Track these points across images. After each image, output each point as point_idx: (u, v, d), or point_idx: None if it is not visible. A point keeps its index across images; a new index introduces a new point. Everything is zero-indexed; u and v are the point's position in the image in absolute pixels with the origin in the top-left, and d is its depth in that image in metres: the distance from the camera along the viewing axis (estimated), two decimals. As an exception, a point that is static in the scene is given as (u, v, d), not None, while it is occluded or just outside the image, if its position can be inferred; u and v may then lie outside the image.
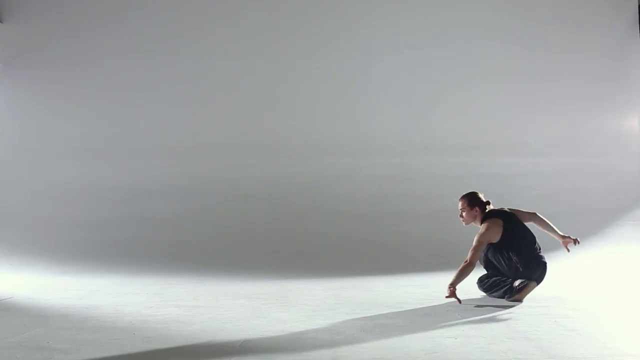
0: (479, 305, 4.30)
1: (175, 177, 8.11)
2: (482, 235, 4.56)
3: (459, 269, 4.44)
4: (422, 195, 7.85)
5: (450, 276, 5.81)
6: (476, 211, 4.73)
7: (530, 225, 4.92)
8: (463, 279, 4.44)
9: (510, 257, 4.56)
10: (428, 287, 5.29)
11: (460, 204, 4.81)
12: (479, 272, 4.87)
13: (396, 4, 8.39)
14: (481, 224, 4.69)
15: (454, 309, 4.18)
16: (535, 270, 4.56)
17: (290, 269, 6.64)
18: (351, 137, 8.18)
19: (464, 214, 4.78)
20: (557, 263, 6.85)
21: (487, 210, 4.75)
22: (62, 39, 8.38)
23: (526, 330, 3.40)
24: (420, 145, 8.14)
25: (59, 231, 7.75)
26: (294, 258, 7.16)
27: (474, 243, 4.56)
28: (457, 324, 3.64)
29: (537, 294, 4.75)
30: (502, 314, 3.94)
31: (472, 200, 4.77)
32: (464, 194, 4.84)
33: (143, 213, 7.91)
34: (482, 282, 4.77)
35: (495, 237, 4.59)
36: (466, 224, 4.83)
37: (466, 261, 4.44)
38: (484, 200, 4.79)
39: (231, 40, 8.33)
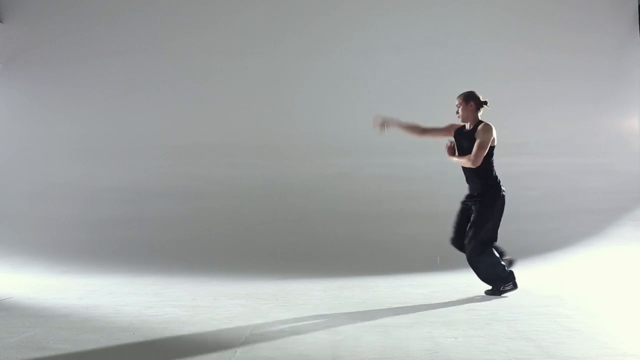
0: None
1: (175, 177, 8.11)
2: (488, 135, 4.77)
3: (463, 158, 4.83)
4: (422, 195, 7.85)
5: (450, 276, 5.83)
6: (471, 106, 4.89)
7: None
8: (458, 160, 4.87)
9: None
10: (428, 287, 5.29)
11: (457, 100, 4.94)
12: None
13: (396, 4, 8.39)
14: (477, 127, 4.82)
15: (454, 309, 4.18)
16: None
17: (290, 269, 6.64)
18: (351, 137, 8.17)
19: (459, 109, 4.91)
20: (557, 263, 6.87)
21: (480, 112, 4.91)
22: (62, 39, 8.38)
23: (526, 330, 3.40)
24: (420, 145, 8.13)
25: (59, 231, 7.75)
26: (294, 258, 7.16)
27: (479, 141, 4.75)
28: (457, 324, 3.64)
29: (537, 293, 4.76)
30: (502, 314, 3.94)
31: (468, 95, 4.91)
32: (464, 92, 4.97)
33: (143, 213, 7.91)
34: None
35: (495, 140, 4.86)
36: (462, 120, 4.95)
37: (470, 159, 4.76)
38: (482, 100, 4.91)
39: (231, 40, 8.33)
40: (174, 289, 5.40)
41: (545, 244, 7.33)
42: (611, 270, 6.42)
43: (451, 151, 4.95)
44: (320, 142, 8.18)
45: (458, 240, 4.86)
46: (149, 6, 8.42)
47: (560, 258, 7.00)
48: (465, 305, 4.36)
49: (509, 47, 8.29)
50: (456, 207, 4.97)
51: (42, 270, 6.76)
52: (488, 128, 4.81)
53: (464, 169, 4.95)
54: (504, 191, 4.86)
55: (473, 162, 4.76)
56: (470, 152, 4.82)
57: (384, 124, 4.96)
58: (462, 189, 5.02)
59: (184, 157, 8.18)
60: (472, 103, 4.86)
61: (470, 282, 5.16)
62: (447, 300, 4.58)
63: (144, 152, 8.18)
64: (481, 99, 4.90)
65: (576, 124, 8.24)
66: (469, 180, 4.95)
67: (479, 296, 4.76)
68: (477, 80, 8.24)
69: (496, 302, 4.44)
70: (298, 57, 8.29)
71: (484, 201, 4.77)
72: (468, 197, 4.93)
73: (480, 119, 4.91)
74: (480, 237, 4.70)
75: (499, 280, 4.72)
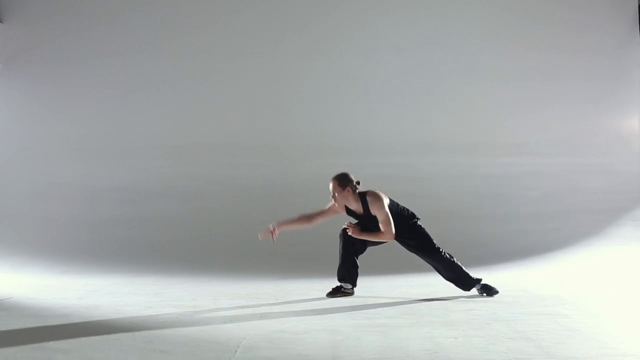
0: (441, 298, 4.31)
1: (175, 177, 8.12)
2: (383, 206, 4.68)
3: (374, 236, 4.72)
4: (422, 195, 7.81)
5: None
6: (348, 191, 4.79)
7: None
8: (372, 240, 4.76)
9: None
10: (428, 287, 5.29)
11: (331, 185, 4.84)
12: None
13: (396, 4, 8.40)
14: (362, 201, 4.76)
15: (454, 309, 4.18)
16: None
17: (290, 269, 6.64)
18: (351, 137, 8.18)
19: (336, 194, 4.82)
20: (557, 263, 6.87)
21: (357, 191, 4.80)
22: (62, 39, 8.38)
23: (526, 330, 3.40)
24: (420, 145, 8.14)
25: (59, 231, 7.75)
26: (294, 258, 7.15)
27: (381, 217, 4.67)
28: (457, 324, 3.64)
29: (537, 294, 4.76)
30: (502, 314, 3.94)
31: (342, 181, 4.81)
32: (335, 175, 4.87)
33: (143, 213, 7.91)
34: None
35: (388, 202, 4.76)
36: (338, 205, 4.87)
37: (385, 237, 4.69)
38: (355, 180, 4.83)
39: (231, 40, 8.34)
40: (174, 289, 5.40)
41: (545, 244, 7.33)
42: (611, 270, 6.42)
43: (357, 230, 4.76)
44: (320, 142, 8.18)
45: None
46: (149, 6, 8.42)
47: (560, 258, 7.00)
48: (465, 305, 4.36)
49: (509, 47, 8.30)
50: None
51: (42, 270, 6.76)
52: (379, 200, 4.72)
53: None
54: (418, 218, 4.90)
55: (390, 238, 4.72)
56: (377, 229, 4.76)
57: (270, 231, 4.91)
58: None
59: (184, 157, 8.18)
60: (348, 188, 4.77)
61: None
62: (447, 300, 4.58)
63: (144, 152, 8.18)
64: (354, 181, 4.81)
65: (576, 124, 8.24)
66: None
67: (478, 296, 4.76)
68: (477, 80, 8.27)
69: (496, 302, 4.44)
70: (298, 57, 8.29)
71: (408, 226, 4.83)
72: None
73: (358, 192, 4.80)
74: (437, 248, 4.79)
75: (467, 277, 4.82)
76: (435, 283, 5.52)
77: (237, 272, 6.57)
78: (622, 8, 8.38)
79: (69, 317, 3.98)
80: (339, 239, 4.96)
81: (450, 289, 5.19)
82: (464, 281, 4.79)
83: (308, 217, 4.97)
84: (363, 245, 4.93)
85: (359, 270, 4.96)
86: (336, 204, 4.87)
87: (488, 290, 4.76)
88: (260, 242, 7.68)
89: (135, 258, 7.17)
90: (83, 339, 3.33)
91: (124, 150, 8.20)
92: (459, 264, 4.80)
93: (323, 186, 8.09)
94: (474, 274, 4.88)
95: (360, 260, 5.04)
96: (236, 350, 3.00)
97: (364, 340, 3.22)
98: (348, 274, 4.93)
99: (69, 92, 8.36)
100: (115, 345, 3.16)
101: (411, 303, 4.48)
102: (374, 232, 4.77)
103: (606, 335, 3.35)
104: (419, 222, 4.90)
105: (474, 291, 4.84)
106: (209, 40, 8.33)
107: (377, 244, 4.96)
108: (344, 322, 3.72)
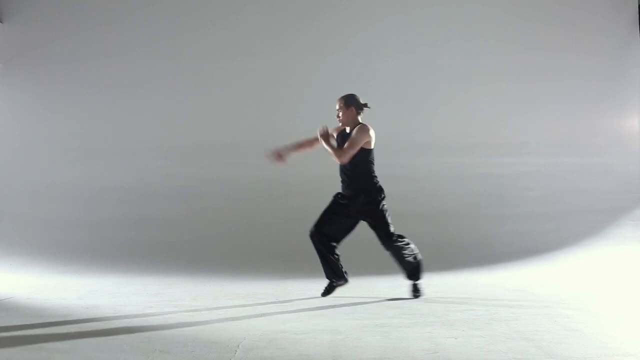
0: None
1: (175, 177, 8.11)
2: (363, 137, 4.65)
3: (333, 149, 4.67)
4: (421, 195, 7.83)
5: (449, 276, 5.83)
6: (352, 111, 4.78)
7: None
8: (328, 149, 4.68)
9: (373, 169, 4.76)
10: (428, 287, 5.29)
11: (337, 104, 4.85)
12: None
13: (396, 4, 8.39)
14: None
15: (454, 309, 4.19)
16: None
17: (290, 269, 6.64)
18: (351, 137, 8.17)
19: (340, 114, 4.82)
20: (557, 263, 6.87)
21: (360, 116, 4.81)
22: (62, 39, 8.38)
23: (526, 330, 3.40)
24: (420, 145, 8.13)
25: (59, 231, 7.75)
26: (294, 258, 7.15)
27: (352, 140, 4.64)
28: (457, 324, 3.64)
29: (537, 293, 4.75)
30: (502, 314, 3.94)
31: (348, 100, 4.80)
32: (343, 95, 4.85)
33: (143, 213, 7.91)
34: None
35: (372, 142, 4.71)
36: (343, 124, 4.86)
37: (339, 154, 4.66)
38: (362, 103, 4.82)
39: (231, 40, 8.33)
40: (174, 289, 5.40)
41: (545, 244, 7.33)
42: (611, 270, 6.42)
43: (326, 135, 4.73)
44: (320, 142, 8.16)
45: (321, 230, 4.87)
46: (149, 6, 8.42)
47: (560, 258, 7.00)
48: (465, 305, 4.36)
49: (509, 47, 8.29)
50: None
51: (42, 270, 6.76)
52: (364, 129, 4.71)
53: (343, 171, 4.87)
54: (384, 197, 4.81)
55: (339, 158, 4.69)
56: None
57: (279, 155, 4.94)
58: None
59: (184, 157, 8.18)
60: (352, 108, 4.77)
61: (470, 283, 5.16)
62: (447, 300, 4.58)
63: (144, 152, 8.18)
64: (361, 102, 4.81)
65: (576, 124, 8.23)
66: (348, 182, 4.86)
67: (478, 296, 4.76)
68: (477, 81, 8.26)
69: (496, 302, 4.44)
70: (298, 57, 8.29)
71: (372, 208, 4.78)
72: (344, 197, 4.88)
73: (360, 121, 4.81)
74: (391, 231, 4.74)
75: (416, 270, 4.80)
76: (436, 283, 5.52)
77: (237, 272, 6.57)
78: (622, 8, 8.38)
79: (69, 317, 3.98)
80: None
81: (451, 289, 5.20)
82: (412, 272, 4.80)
83: (310, 142, 5.02)
84: (335, 232, 4.88)
85: (341, 261, 4.88)
86: (340, 122, 4.83)
87: (416, 291, 4.75)
88: (260, 242, 7.73)
89: (135, 258, 7.18)
90: (83, 339, 3.33)
91: (124, 150, 8.20)
92: (412, 258, 4.74)
93: (323, 186, 8.11)
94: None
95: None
96: (236, 350, 3.00)
97: (364, 340, 3.22)
98: (333, 272, 4.87)
99: (69, 92, 8.36)
100: (115, 345, 3.16)
101: (411, 303, 4.48)
102: (336, 147, 4.74)
103: (606, 335, 3.35)
104: (384, 203, 4.80)
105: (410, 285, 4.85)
106: (209, 41, 8.32)
107: (348, 233, 4.89)
108: (344, 322, 3.72)
